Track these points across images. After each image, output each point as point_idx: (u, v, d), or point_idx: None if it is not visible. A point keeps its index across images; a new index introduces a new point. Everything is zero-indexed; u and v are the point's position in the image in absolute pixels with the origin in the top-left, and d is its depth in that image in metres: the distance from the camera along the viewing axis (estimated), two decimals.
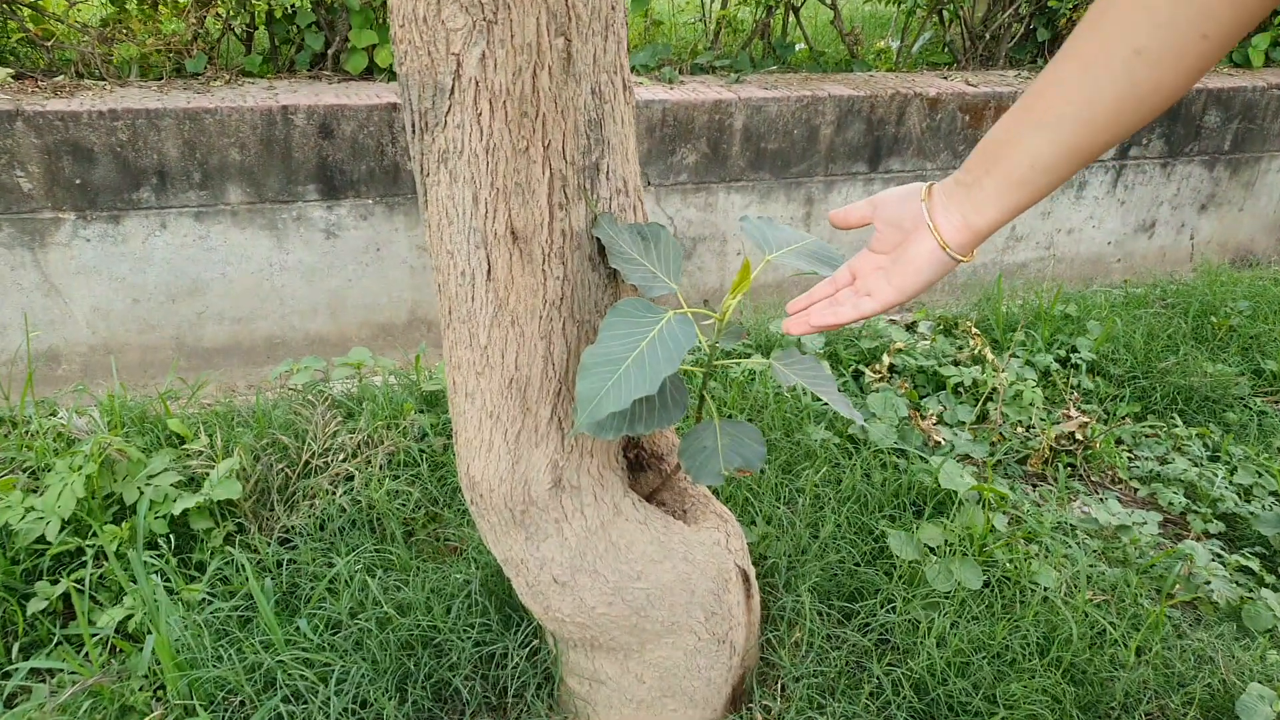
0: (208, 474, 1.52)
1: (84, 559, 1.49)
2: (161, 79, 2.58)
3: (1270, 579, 1.77)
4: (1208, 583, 1.68)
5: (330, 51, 2.79)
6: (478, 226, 1.08)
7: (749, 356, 2.39)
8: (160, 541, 1.50)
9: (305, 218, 2.48)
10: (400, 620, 1.34)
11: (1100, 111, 0.72)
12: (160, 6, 2.66)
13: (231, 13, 2.68)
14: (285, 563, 1.53)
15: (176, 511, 1.43)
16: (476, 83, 1.03)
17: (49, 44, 2.51)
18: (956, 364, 2.38)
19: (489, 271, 1.10)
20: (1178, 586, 1.69)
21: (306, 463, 1.65)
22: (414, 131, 1.10)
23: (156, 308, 2.42)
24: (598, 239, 1.14)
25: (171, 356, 2.48)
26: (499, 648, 1.36)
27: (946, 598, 1.52)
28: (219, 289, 2.46)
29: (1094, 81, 0.71)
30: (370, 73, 2.79)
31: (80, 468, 1.46)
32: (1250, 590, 1.72)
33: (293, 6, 2.66)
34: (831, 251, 1.20)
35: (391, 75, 2.77)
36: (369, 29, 2.74)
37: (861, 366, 2.35)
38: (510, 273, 1.10)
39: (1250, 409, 2.37)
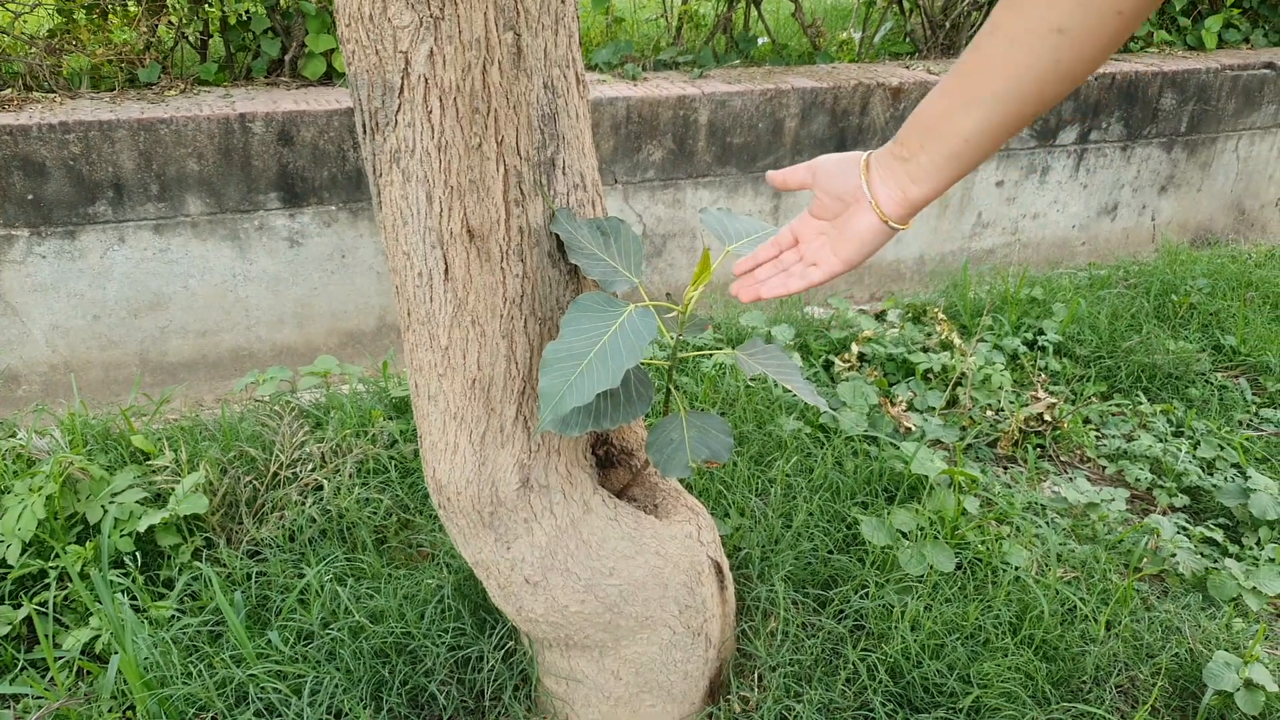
0: (173, 489, 1.49)
1: (47, 581, 1.46)
2: (114, 90, 2.54)
3: (1234, 549, 1.80)
4: (1173, 555, 1.70)
5: (288, 57, 2.76)
6: (433, 226, 1.08)
7: (720, 349, 2.39)
8: (126, 560, 1.47)
9: (268, 226, 2.46)
10: (373, 628, 1.33)
11: (1027, 88, 0.75)
12: (110, 16, 2.62)
13: (184, 20, 2.64)
14: (255, 575, 1.51)
15: (142, 529, 1.41)
16: (426, 80, 1.02)
17: None
18: (926, 350, 2.40)
19: (446, 271, 1.09)
20: (1145, 560, 1.71)
21: (274, 474, 1.63)
22: (365, 131, 1.09)
23: (118, 323, 2.38)
24: (557, 235, 1.13)
25: (134, 373, 2.44)
26: (474, 651, 1.35)
27: (920, 581, 1.53)
28: (182, 302, 2.42)
29: (1019, 59, 0.74)
30: (329, 78, 2.76)
31: (40, 488, 1.44)
32: (1215, 560, 1.75)
33: (248, 13, 2.63)
34: None
35: None
36: (326, 34, 2.71)
37: (831, 356, 2.36)
38: (468, 272, 1.09)
39: (1211, 384, 2.41)
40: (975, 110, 0.78)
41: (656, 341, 2.10)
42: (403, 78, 1.02)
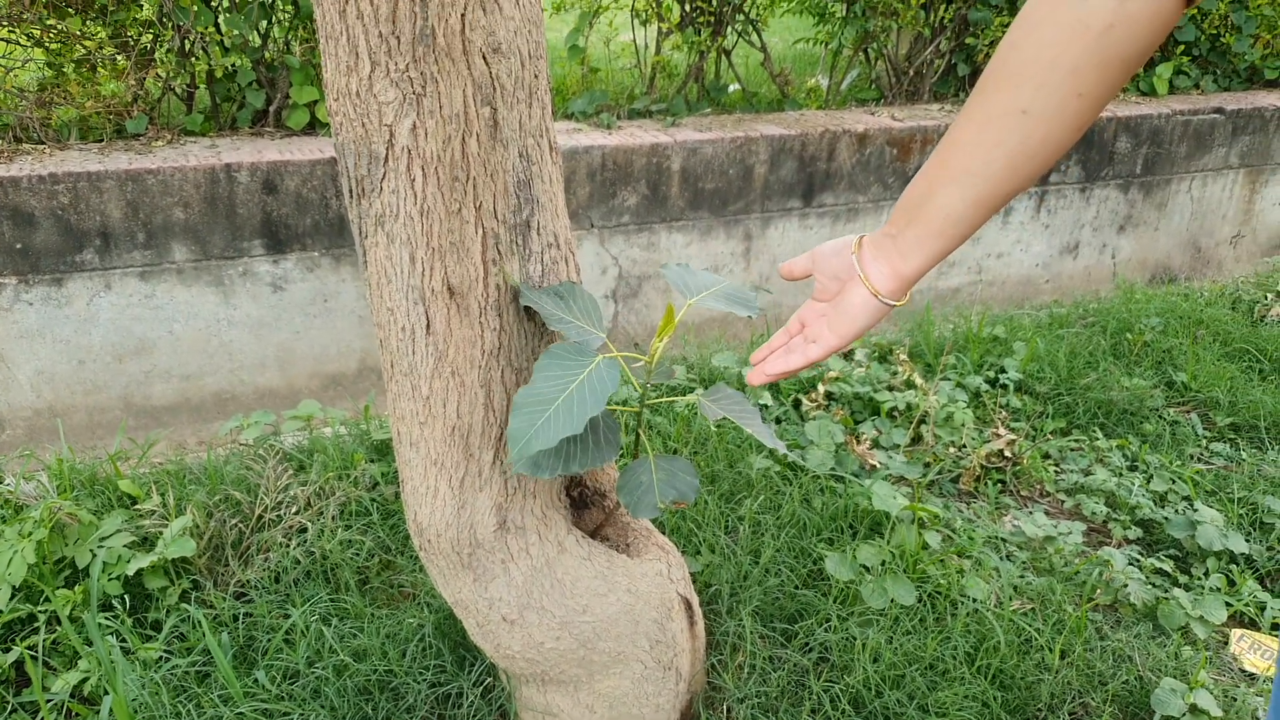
0: (161, 533, 1.54)
1: (36, 625, 1.50)
2: (102, 140, 2.61)
3: (1183, 579, 1.88)
4: (1125, 586, 1.78)
5: (272, 108, 2.84)
6: (416, 284, 1.15)
7: (692, 390, 2.47)
8: (115, 603, 1.51)
9: (252, 272, 2.52)
10: (357, 666, 1.38)
11: (998, 167, 0.81)
12: (99, 69, 2.70)
13: (171, 74, 2.72)
14: (241, 616, 1.55)
15: (131, 572, 1.45)
16: (409, 151, 1.10)
17: None
18: (891, 389, 2.49)
19: (428, 326, 1.16)
20: (1098, 591, 1.79)
21: (259, 517, 1.68)
22: (351, 196, 1.17)
23: (103, 368, 2.43)
24: None
25: (119, 416, 2.48)
26: (454, 688, 1.40)
27: (881, 614, 1.60)
28: (166, 347, 2.47)
29: (990, 139, 0.81)
30: (313, 128, 2.85)
31: (30, 534, 1.48)
32: (1165, 590, 1.83)
33: (234, 66, 2.71)
34: (745, 292, 1.29)
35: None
36: (310, 85, 2.80)
37: (800, 395, 2.44)
38: (449, 326, 1.16)
39: (1164, 419, 2.51)
40: (953, 188, 0.84)
41: (628, 383, 2.18)
42: (387, 148, 1.10)
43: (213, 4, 2.75)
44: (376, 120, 1.09)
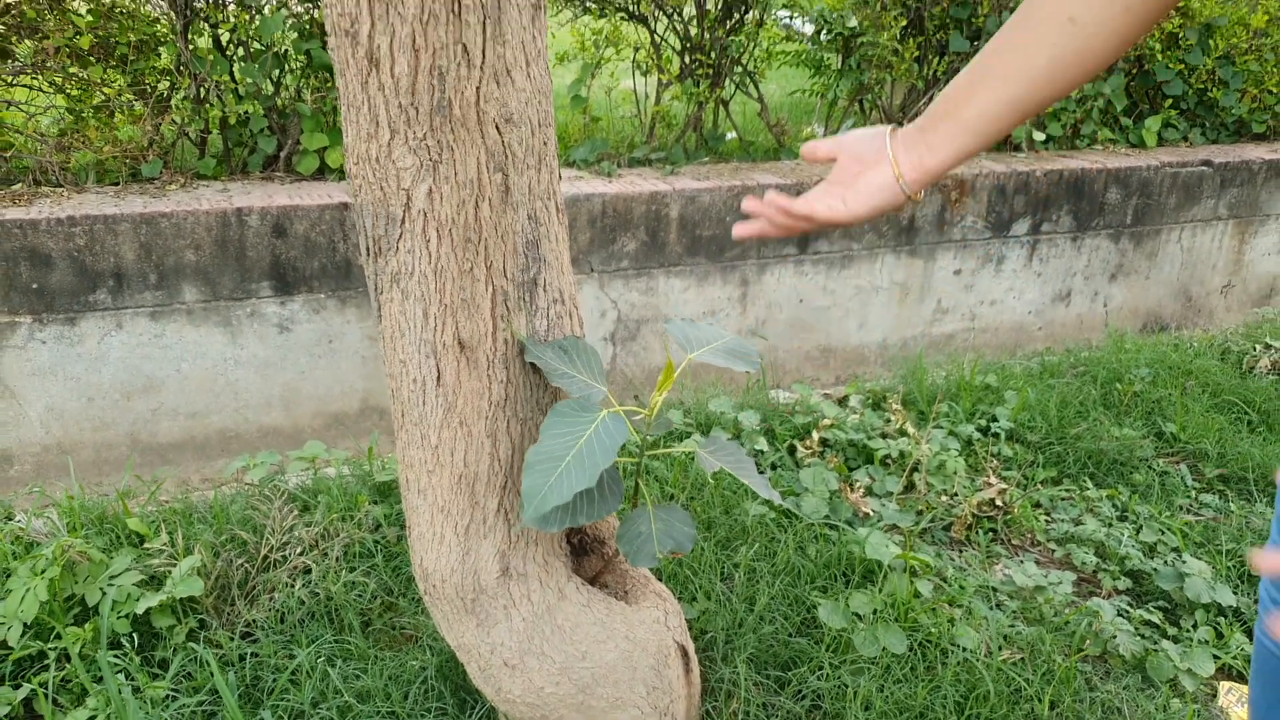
0: (169, 572, 1.57)
1: (46, 662, 1.52)
2: (118, 184, 2.68)
3: (1172, 630, 1.91)
4: (1114, 637, 1.82)
5: (283, 153, 2.92)
6: (428, 339, 1.20)
7: (689, 434, 2.51)
8: (123, 640, 1.54)
9: (259, 313, 2.57)
10: (360, 708, 1.40)
11: (1039, 71, 0.86)
12: (117, 114, 2.77)
13: (187, 119, 2.80)
14: (248, 656, 1.58)
15: (140, 610, 1.49)
16: (425, 214, 1.16)
17: (7, 155, 2.60)
18: (885, 436, 2.54)
19: (439, 378, 1.21)
20: (1087, 641, 1.82)
21: (265, 557, 1.71)
22: (368, 254, 1.22)
23: (111, 406, 2.47)
24: None
25: (125, 453, 2.52)
26: None
27: (873, 662, 1.63)
28: (174, 385, 2.52)
29: (1034, 41, 0.86)
30: (322, 173, 2.92)
31: (43, 571, 1.51)
32: (1154, 642, 1.86)
33: (247, 113, 2.79)
34: (747, 347, 1.34)
35: (342, 175, 2.90)
36: (320, 132, 2.88)
37: (795, 441, 2.49)
38: (458, 379, 1.21)
39: (1154, 470, 2.55)
40: (993, 85, 0.88)
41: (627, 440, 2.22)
42: (404, 211, 1.16)
43: (228, 53, 2.84)
44: (395, 184, 1.15)
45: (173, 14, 2.76)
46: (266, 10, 2.83)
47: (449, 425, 1.23)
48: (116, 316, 2.43)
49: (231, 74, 2.81)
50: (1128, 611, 1.95)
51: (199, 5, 2.78)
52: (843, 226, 1.05)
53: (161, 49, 2.83)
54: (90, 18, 2.69)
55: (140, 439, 2.53)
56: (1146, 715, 1.64)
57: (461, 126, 1.13)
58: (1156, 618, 1.92)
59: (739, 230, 1.09)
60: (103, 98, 2.76)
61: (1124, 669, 1.79)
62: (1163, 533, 2.26)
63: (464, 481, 1.24)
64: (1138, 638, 1.85)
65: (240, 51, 2.86)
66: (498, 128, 1.16)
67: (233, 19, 2.76)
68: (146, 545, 1.66)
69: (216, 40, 2.82)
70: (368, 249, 1.21)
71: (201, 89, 2.82)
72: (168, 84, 2.82)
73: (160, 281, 2.45)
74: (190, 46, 2.75)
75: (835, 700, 1.54)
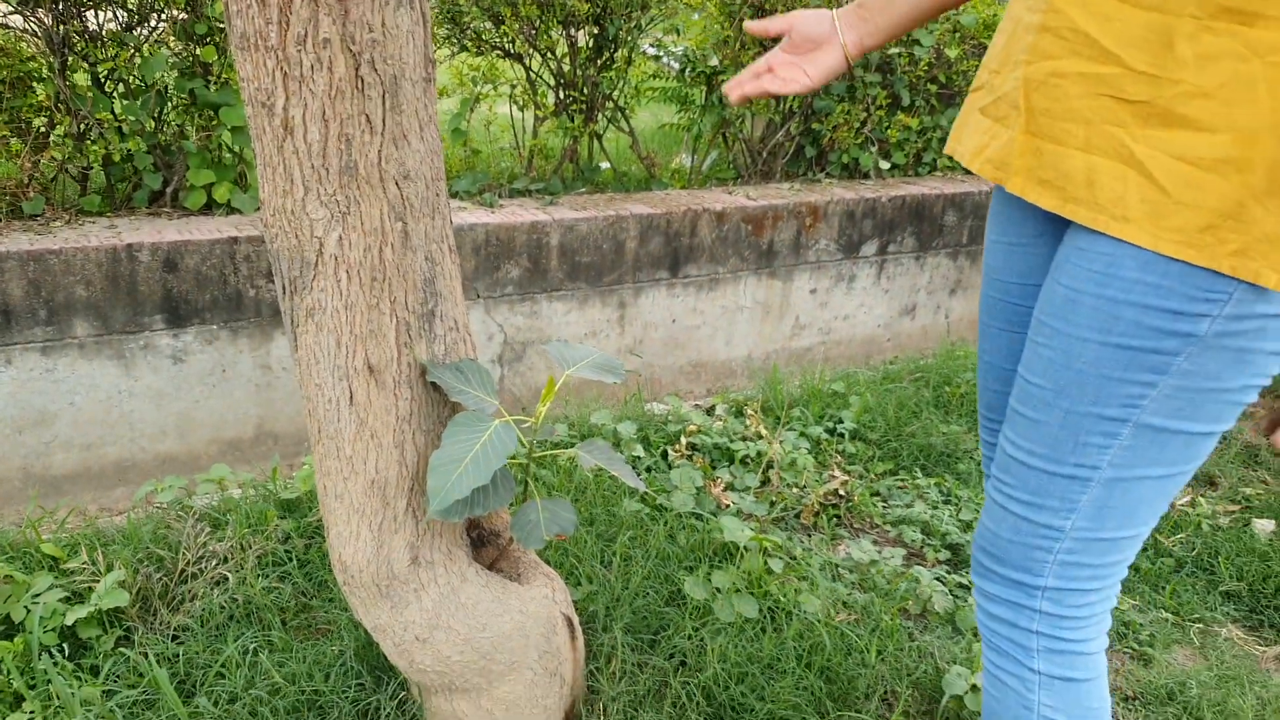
0: (91, 588, 1.69)
1: None
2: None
3: None
4: (930, 597, 2.17)
5: (169, 189, 3.00)
6: (341, 364, 1.41)
7: (573, 445, 2.76)
8: (53, 651, 1.65)
9: (153, 346, 2.67)
10: (289, 687, 1.58)
11: None
12: None
13: (68, 156, 2.85)
14: (179, 656, 1.72)
15: (70, 622, 1.60)
16: (336, 258, 1.37)
17: None
18: (744, 439, 2.85)
19: (351, 398, 1.42)
20: (909, 602, 2.17)
21: (183, 570, 1.84)
22: (284, 292, 1.42)
23: (2, 440, 2.51)
24: None
25: (19, 486, 2.56)
26: (373, 702, 1.61)
27: (730, 625, 1.92)
28: (67, 418, 2.58)
29: None
30: (209, 208, 3.02)
31: None
32: (964, 600, 2.23)
33: (129, 150, 2.87)
34: (614, 362, 1.60)
35: (230, 209, 3.01)
36: (206, 169, 2.99)
37: (668, 447, 2.77)
38: (369, 398, 1.42)
39: (974, 460, 2.97)
40: None
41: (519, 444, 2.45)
42: (318, 255, 1.36)
43: (108, 90, 2.91)
44: (309, 233, 1.35)
45: (49, 51, 2.81)
46: (146, 49, 2.91)
47: (361, 438, 1.44)
48: (5, 353, 2.48)
49: (113, 111, 2.88)
50: (944, 577, 2.32)
51: (76, 43, 2.83)
52: (806, 93, 1.39)
53: (37, 85, 2.87)
54: None
55: (34, 471, 2.58)
56: (952, 656, 1.99)
57: (366, 183, 1.35)
58: (967, 580, 2.29)
59: (731, 91, 1.38)
60: None
61: (939, 622, 2.14)
62: (977, 512, 2.65)
63: (376, 486, 1.45)
64: (950, 596, 2.21)
65: (120, 88, 2.93)
66: (397, 184, 1.39)
67: (110, 58, 2.82)
68: (65, 566, 1.77)
69: (95, 77, 2.87)
70: (284, 287, 1.41)
71: (82, 125, 2.87)
72: (44, 120, 2.86)
73: (50, 317, 2.51)
74: (68, 84, 2.80)
75: (697, 656, 1.81)
